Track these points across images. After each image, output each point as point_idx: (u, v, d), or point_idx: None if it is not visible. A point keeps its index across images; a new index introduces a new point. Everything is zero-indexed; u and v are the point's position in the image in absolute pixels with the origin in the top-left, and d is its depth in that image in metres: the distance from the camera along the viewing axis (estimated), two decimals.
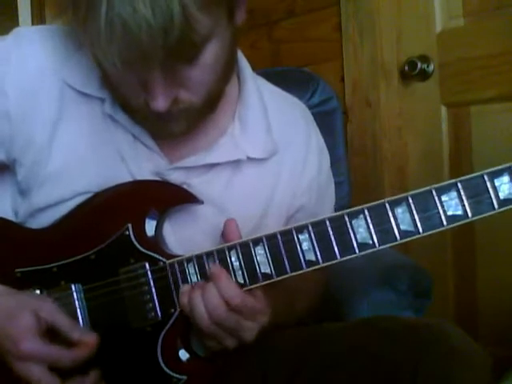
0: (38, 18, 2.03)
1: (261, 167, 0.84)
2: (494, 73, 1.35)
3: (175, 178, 0.80)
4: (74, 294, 0.77)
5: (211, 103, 0.76)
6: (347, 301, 1.04)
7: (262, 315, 0.72)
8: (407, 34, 1.50)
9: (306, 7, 1.64)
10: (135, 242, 0.76)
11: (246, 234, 0.74)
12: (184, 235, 0.81)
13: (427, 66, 1.45)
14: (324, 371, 0.74)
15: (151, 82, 0.66)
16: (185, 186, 0.80)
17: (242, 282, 0.72)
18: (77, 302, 0.77)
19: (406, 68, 1.46)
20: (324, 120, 1.36)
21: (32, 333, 0.69)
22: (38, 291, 0.77)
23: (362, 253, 0.70)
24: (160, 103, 0.67)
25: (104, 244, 0.76)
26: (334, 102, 1.39)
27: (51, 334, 0.71)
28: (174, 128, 0.74)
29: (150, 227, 0.77)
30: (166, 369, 0.75)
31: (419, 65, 1.43)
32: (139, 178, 0.80)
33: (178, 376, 0.75)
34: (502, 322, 1.39)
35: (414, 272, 1.06)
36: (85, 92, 0.79)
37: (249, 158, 0.83)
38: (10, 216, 0.83)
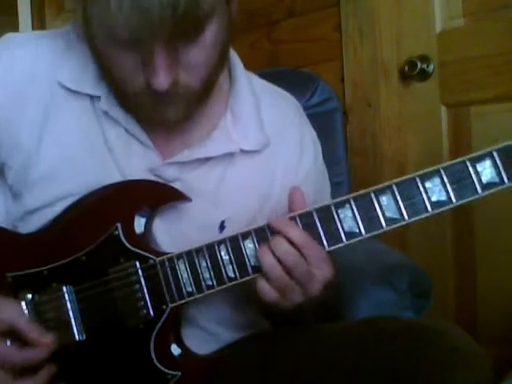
0: (38, 18, 2.03)
1: (254, 159, 0.85)
2: (493, 73, 1.35)
3: (169, 173, 0.81)
4: (66, 295, 0.77)
5: (207, 90, 0.76)
6: (347, 301, 1.04)
7: (328, 265, 0.72)
8: (407, 34, 1.50)
9: (305, 7, 1.63)
10: (125, 242, 0.76)
11: (243, 226, 0.75)
12: (178, 232, 0.81)
13: (427, 66, 1.45)
14: (324, 371, 0.73)
15: (154, 59, 0.66)
16: (178, 182, 0.81)
17: (233, 275, 0.73)
18: (69, 304, 0.77)
19: (406, 68, 1.46)
20: (324, 120, 1.36)
21: None
22: (29, 295, 0.77)
23: (350, 241, 0.72)
24: (162, 80, 0.67)
25: (94, 245, 0.77)
26: (333, 102, 1.39)
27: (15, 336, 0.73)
28: (169, 114, 0.74)
29: (139, 225, 0.78)
30: (159, 365, 0.76)
31: (419, 65, 1.43)
32: (132, 176, 0.80)
33: (171, 372, 0.76)
34: (501, 323, 1.39)
35: (414, 272, 1.06)
36: (78, 90, 0.79)
37: (242, 151, 0.83)
38: (2, 218, 0.84)
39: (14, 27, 2.01)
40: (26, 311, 0.77)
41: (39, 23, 2.03)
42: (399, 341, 0.70)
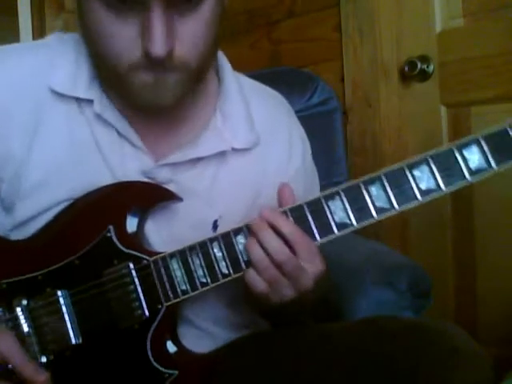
0: (38, 17, 2.03)
1: (245, 158, 0.86)
2: (493, 73, 1.35)
3: (163, 175, 0.81)
4: (61, 299, 0.77)
5: (200, 73, 0.76)
6: (347, 301, 1.04)
7: (319, 259, 0.72)
8: (407, 34, 1.49)
9: (305, 7, 1.63)
10: (117, 243, 0.77)
11: (239, 219, 0.75)
12: (172, 233, 0.81)
13: (427, 66, 1.45)
14: (324, 371, 0.73)
15: (152, 24, 0.66)
16: (172, 184, 0.81)
17: (227, 272, 0.73)
18: (64, 308, 0.77)
19: (406, 68, 1.46)
20: (324, 120, 1.36)
21: None
22: (24, 301, 0.77)
23: (342, 233, 0.72)
24: (159, 46, 0.67)
25: (87, 248, 0.77)
26: (333, 101, 1.39)
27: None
28: (165, 94, 0.73)
29: (131, 226, 0.78)
30: (156, 365, 0.76)
31: (419, 65, 1.43)
32: (125, 178, 0.80)
33: (168, 371, 0.76)
34: (501, 323, 1.39)
35: (414, 272, 1.06)
36: (70, 95, 0.79)
37: (233, 149, 0.84)
38: None
39: (14, 27, 2.01)
40: (22, 317, 0.77)
41: (39, 23, 2.03)
42: (399, 340, 0.70)
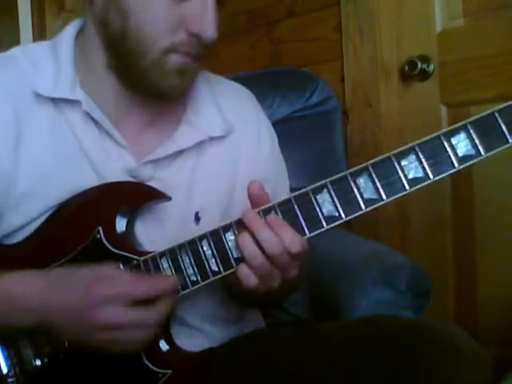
0: (38, 17, 2.03)
1: (222, 147, 0.88)
2: (493, 73, 1.35)
3: (146, 173, 0.82)
4: None
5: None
6: (346, 301, 1.04)
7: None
8: (407, 34, 1.50)
9: (305, 7, 1.63)
10: (107, 244, 0.77)
11: (218, 215, 0.77)
12: (158, 230, 0.82)
13: (427, 66, 1.45)
14: (324, 370, 0.73)
15: (210, 9, 0.74)
16: (153, 181, 0.82)
17: (216, 269, 0.73)
18: None
19: (406, 68, 1.46)
20: (323, 120, 1.36)
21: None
22: None
23: (330, 226, 0.71)
24: (215, 30, 0.74)
25: (77, 250, 0.77)
26: (333, 101, 1.39)
27: None
28: (186, 81, 0.79)
29: (120, 226, 0.78)
30: (149, 365, 0.76)
31: (419, 65, 1.43)
32: (110, 178, 0.80)
33: (161, 371, 0.76)
34: (501, 323, 1.39)
35: (414, 272, 1.06)
36: (56, 97, 0.79)
37: (211, 138, 0.86)
38: None
39: (14, 26, 2.01)
40: None
41: (39, 22, 2.03)
42: (399, 339, 0.70)
